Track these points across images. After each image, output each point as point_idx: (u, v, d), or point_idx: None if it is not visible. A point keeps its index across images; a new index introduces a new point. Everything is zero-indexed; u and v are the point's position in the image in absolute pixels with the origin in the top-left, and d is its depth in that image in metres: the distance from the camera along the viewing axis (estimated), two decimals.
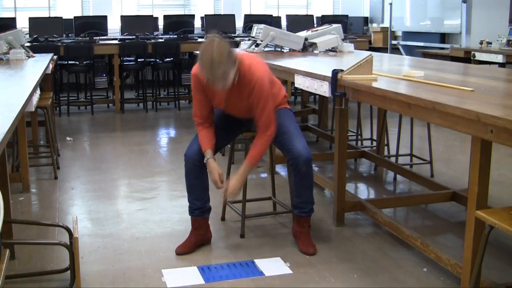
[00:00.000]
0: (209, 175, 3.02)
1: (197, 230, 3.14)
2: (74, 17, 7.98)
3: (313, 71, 3.44)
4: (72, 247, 2.59)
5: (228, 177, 3.53)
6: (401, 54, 8.96)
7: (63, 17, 7.99)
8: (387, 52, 8.86)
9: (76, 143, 5.77)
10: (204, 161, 3.01)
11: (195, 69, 2.93)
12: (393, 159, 4.78)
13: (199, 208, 3.12)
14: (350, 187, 4.24)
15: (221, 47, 2.71)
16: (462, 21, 7.91)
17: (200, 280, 2.77)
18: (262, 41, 5.07)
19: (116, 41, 7.64)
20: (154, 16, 8.57)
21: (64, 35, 7.81)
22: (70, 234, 2.76)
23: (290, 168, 3.14)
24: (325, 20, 8.19)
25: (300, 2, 10.46)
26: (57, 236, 3.27)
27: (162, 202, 3.94)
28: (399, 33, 9.51)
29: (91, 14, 9.06)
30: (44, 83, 5.23)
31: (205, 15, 8.59)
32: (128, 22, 8.05)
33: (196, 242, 3.13)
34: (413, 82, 2.95)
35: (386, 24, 9.60)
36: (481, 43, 7.02)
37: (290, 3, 10.39)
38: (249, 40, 5.56)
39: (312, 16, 9.10)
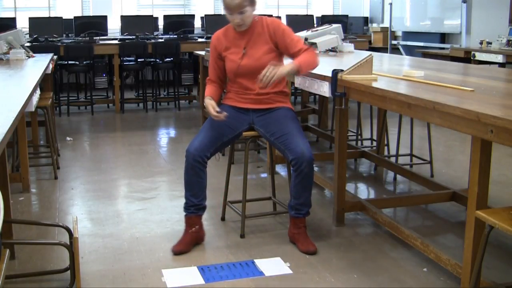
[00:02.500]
0: (206, 107, 3.13)
1: (190, 228, 3.14)
2: (74, 17, 7.99)
3: (313, 71, 3.44)
4: (72, 247, 2.59)
5: (228, 177, 3.54)
6: (401, 54, 8.96)
7: (63, 17, 7.99)
8: (387, 52, 8.86)
9: (76, 143, 5.77)
10: (204, 102, 3.18)
11: (216, 32, 3.31)
12: (393, 159, 4.78)
13: (195, 205, 3.12)
14: (350, 187, 4.24)
15: None
16: (462, 21, 7.91)
17: (200, 280, 2.77)
18: None
19: (116, 41, 7.65)
20: (154, 16, 8.58)
21: (64, 35, 7.82)
22: (70, 234, 2.76)
23: (290, 169, 3.14)
24: (325, 20, 8.19)
25: (300, 2, 10.47)
26: (57, 236, 3.27)
27: (162, 202, 3.94)
28: (399, 33, 9.52)
29: (91, 14, 9.06)
30: (44, 83, 5.23)
31: (205, 15, 8.59)
32: (128, 22, 8.05)
33: (191, 240, 3.13)
34: (413, 82, 2.95)
35: (386, 24, 9.61)
36: (481, 43, 7.02)
37: (290, 3, 10.39)
38: None
39: (312, 16, 9.10)
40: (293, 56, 3.13)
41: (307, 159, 2.98)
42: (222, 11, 9.74)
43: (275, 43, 3.15)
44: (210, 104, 3.11)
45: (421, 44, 8.72)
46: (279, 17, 9.08)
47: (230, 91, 3.30)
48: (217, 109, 3.09)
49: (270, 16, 8.80)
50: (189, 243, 3.11)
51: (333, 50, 5.22)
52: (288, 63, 3.06)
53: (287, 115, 3.19)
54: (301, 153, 2.97)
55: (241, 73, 3.18)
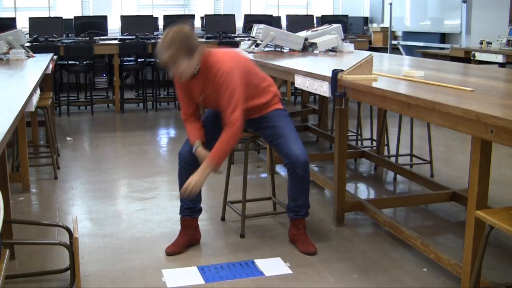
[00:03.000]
0: (202, 162, 2.95)
1: (186, 230, 3.14)
2: (74, 17, 7.98)
3: (313, 71, 3.44)
4: (72, 247, 2.59)
5: (228, 177, 3.54)
6: (401, 54, 8.96)
7: (63, 17, 7.99)
8: (387, 52, 8.86)
9: (76, 143, 5.77)
10: (193, 151, 2.99)
11: None
12: (393, 159, 4.77)
13: (189, 207, 3.12)
14: (350, 187, 4.24)
15: (177, 34, 2.78)
16: (462, 21, 7.91)
17: (200, 280, 2.77)
18: (262, 41, 5.08)
19: (116, 41, 7.64)
20: (154, 16, 8.57)
21: (64, 35, 7.81)
22: (70, 234, 2.76)
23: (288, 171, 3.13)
24: (325, 20, 8.19)
25: (300, 2, 10.46)
26: (57, 236, 3.27)
27: (162, 202, 3.94)
28: (399, 33, 9.51)
29: (91, 14, 9.05)
30: (44, 83, 5.22)
31: (205, 15, 8.59)
32: (128, 22, 8.05)
33: (185, 242, 3.12)
34: (413, 82, 2.95)
35: (386, 24, 9.60)
36: (481, 43, 7.02)
37: (290, 3, 10.39)
38: (249, 40, 5.56)
39: (312, 16, 9.10)
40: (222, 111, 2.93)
41: (301, 163, 2.96)
42: (222, 11, 9.81)
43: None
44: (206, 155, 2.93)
45: (421, 44, 8.72)
46: (279, 17, 9.09)
47: None
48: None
49: (270, 16, 8.84)
50: (183, 245, 3.11)
51: (333, 50, 5.22)
52: (204, 165, 2.87)
53: (277, 116, 3.12)
54: (295, 157, 2.95)
55: (209, 108, 3.20)
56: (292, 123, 3.15)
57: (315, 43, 5.16)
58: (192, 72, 2.88)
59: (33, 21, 7.69)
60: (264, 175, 4.63)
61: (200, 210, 3.18)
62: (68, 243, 2.69)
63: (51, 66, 5.00)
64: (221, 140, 2.88)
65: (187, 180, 2.88)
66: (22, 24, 7.68)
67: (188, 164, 3.03)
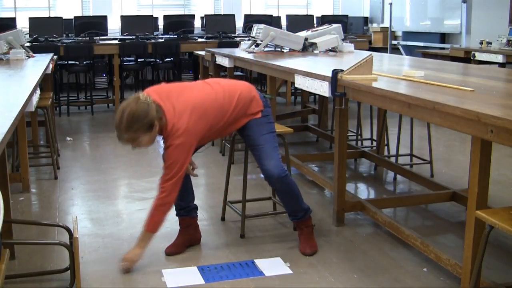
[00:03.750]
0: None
1: (184, 230, 3.14)
2: (74, 17, 7.99)
3: (313, 71, 3.44)
4: (72, 247, 2.59)
5: (228, 177, 3.54)
6: (401, 54, 8.96)
7: (63, 17, 7.99)
8: (387, 52, 8.86)
9: (76, 143, 5.77)
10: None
11: None
12: (393, 159, 4.77)
13: (183, 208, 3.12)
14: (350, 187, 4.24)
15: (132, 114, 2.66)
16: (462, 21, 7.91)
17: (200, 280, 2.77)
18: (262, 41, 5.08)
19: (116, 41, 7.64)
20: (154, 16, 8.58)
21: (64, 35, 7.82)
22: (70, 234, 2.76)
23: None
24: (325, 20, 8.19)
25: (300, 2, 10.46)
26: (57, 236, 3.27)
27: None
28: (399, 33, 9.51)
29: (91, 14, 9.06)
30: (44, 83, 5.23)
31: (205, 15, 8.60)
32: (128, 22, 8.05)
33: (184, 242, 3.12)
34: (413, 82, 2.95)
35: (386, 24, 9.60)
36: (481, 43, 7.02)
37: (290, 3, 10.39)
38: (249, 40, 5.57)
39: (312, 16, 9.11)
40: None
41: (275, 178, 2.91)
42: (222, 11, 9.81)
43: None
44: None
45: (421, 44, 8.72)
46: (279, 17, 9.08)
47: None
48: (195, 166, 3.07)
49: (270, 16, 8.83)
50: (182, 245, 3.11)
51: (333, 50, 5.22)
52: (141, 237, 2.88)
53: (252, 126, 2.96)
54: (269, 172, 2.90)
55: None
56: (271, 130, 3.00)
57: (315, 43, 5.16)
58: (154, 141, 2.79)
59: (33, 21, 7.69)
60: None
61: (196, 208, 3.18)
62: (68, 243, 2.69)
63: (51, 66, 5.00)
64: (153, 208, 2.82)
65: (124, 256, 2.87)
66: (22, 24, 7.68)
67: None
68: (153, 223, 2.85)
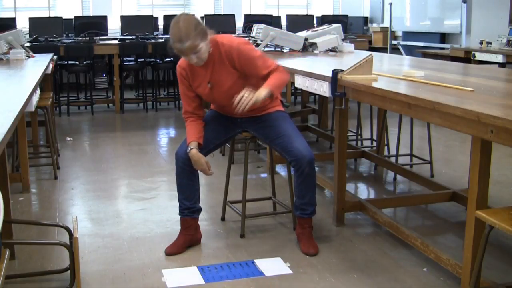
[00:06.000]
0: (195, 165, 2.97)
1: (186, 230, 3.13)
2: (74, 17, 7.98)
3: (313, 71, 3.44)
4: (72, 247, 2.59)
5: (228, 177, 3.54)
6: (401, 54, 8.96)
7: (63, 17, 7.99)
8: (387, 52, 8.86)
9: (76, 143, 5.77)
10: (187, 151, 2.97)
11: (180, 61, 3.03)
12: (393, 159, 4.77)
13: (188, 208, 3.11)
14: (350, 187, 4.24)
15: (187, 21, 2.79)
16: (462, 21, 7.91)
17: (200, 280, 2.77)
18: (262, 41, 5.07)
19: (116, 41, 7.64)
20: (154, 16, 8.57)
21: (64, 35, 7.82)
22: (70, 234, 2.76)
23: (290, 170, 3.12)
24: (325, 20, 8.19)
25: (300, 2, 10.46)
26: (57, 236, 3.27)
27: (162, 202, 3.94)
28: (399, 33, 9.51)
29: (91, 14, 9.06)
30: (44, 83, 5.23)
31: (205, 15, 8.59)
32: (128, 22, 8.05)
33: (185, 243, 3.11)
34: (413, 82, 2.95)
35: (386, 24, 9.60)
36: (481, 43, 7.02)
37: (290, 3, 10.39)
38: (249, 40, 5.56)
39: (312, 16, 9.10)
40: (263, 78, 2.95)
41: (307, 160, 2.95)
42: (222, 11, 9.81)
43: (242, 71, 2.95)
44: (201, 158, 2.96)
45: (421, 44, 8.72)
46: (279, 17, 9.08)
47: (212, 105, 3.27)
48: (210, 165, 3.02)
49: (270, 16, 8.84)
50: (182, 245, 3.10)
51: (333, 50, 5.22)
52: (262, 88, 2.87)
53: (278, 117, 3.11)
54: (300, 154, 2.94)
55: (215, 102, 3.17)
56: (294, 124, 3.15)
57: (315, 43, 5.16)
58: (207, 56, 2.89)
59: (33, 21, 7.69)
60: (264, 175, 4.63)
61: (199, 210, 3.18)
62: (68, 243, 2.69)
63: (51, 66, 5.00)
64: (277, 75, 2.94)
65: (239, 96, 2.83)
66: (22, 24, 7.68)
67: (185, 165, 3.02)
68: (278, 87, 2.94)
